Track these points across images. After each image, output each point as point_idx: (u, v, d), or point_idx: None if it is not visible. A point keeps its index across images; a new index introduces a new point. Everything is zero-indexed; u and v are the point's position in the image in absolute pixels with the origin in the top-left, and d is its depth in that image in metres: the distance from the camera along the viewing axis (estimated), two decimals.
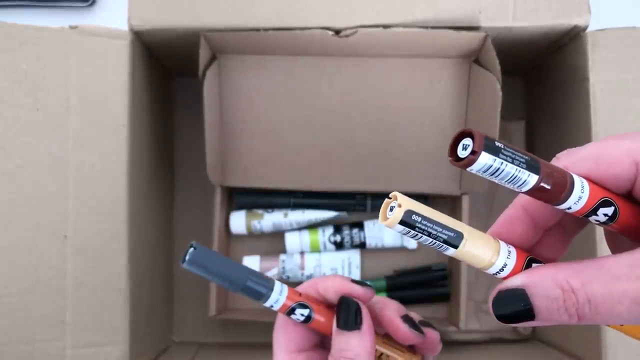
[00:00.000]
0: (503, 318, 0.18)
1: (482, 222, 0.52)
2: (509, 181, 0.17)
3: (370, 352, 0.23)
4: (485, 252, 0.19)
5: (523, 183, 0.17)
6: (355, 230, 0.51)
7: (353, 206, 0.51)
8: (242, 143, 0.47)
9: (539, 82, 0.51)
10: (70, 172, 0.38)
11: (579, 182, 0.18)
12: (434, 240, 0.19)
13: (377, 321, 0.24)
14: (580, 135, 0.41)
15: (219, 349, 0.50)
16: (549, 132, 0.48)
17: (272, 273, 0.50)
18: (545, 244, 0.22)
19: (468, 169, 0.17)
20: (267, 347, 0.50)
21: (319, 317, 0.24)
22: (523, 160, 0.17)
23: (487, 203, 0.53)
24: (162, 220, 0.50)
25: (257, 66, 0.46)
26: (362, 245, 0.51)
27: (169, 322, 0.52)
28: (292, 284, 0.51)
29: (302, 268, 0.50)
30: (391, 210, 0.19)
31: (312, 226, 0.51)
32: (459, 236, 0.19)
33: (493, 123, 0.40)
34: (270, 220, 0.50)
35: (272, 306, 0.23)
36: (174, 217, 0.53)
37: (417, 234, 0.19)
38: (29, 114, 0.38)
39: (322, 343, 0.26)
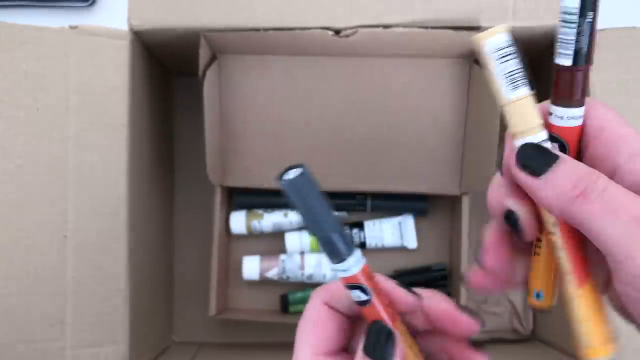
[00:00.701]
0: (522, 164, 0.19)
1: (482, 223, 0.52)
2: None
3: None
4: (537, 114, 0.19)
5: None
6: (355, 230, 0.51)
7: (353, 206, 0.51)
8: (242, 143, 0.47)
9: (538, 82, 0.50)
10: (70, 172, 0.38)
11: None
12: (517, 69, 0.19)
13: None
14: None
15: (218, 349, 0.50)
16: None
17: (272, 273, 0.50)
18: None
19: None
20: (267, 347, 0.50)
21: (376, 307, 0.21)
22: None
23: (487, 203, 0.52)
24: (162, 220, 0.50)
25: (257, 66, 0.46)
26: (362, 245, 0.51)
27: (169, 322, 0.52)
28: (293, 284, 0.52)
29: (302, 268, 0.50)
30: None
31: None
32: (533, 83, 0.19)
33: (493, 122, 0.40)
34: (270, 220, 0.50)
35: (339, 271, 0.21)
36: (174, 217, 0.53)
37: (511, 53, 0.18)
38: (29, 113, 0.38)
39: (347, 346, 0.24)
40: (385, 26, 0.40)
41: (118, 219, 0.39)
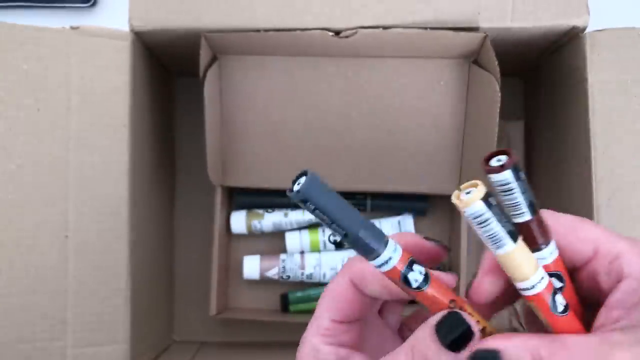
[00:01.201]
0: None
1: None
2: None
3: None
4: (531, 261, 0.20)
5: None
6: None
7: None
8: (242, 143, 0.48)
9: (537, 83, 0.51)
10: (71, 172, 0.39)
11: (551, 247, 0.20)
12: (496, 231, 0.19)
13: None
14: (578, 135, 0.41)
15: (219, 348, 0.51)
16: (547, 133, 0.49)
17: (272, 272, 0.50)
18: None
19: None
20: (268, 346, 0.50)
21: (435, 289, 0.20)
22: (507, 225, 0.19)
23: None
24: (162, 220, 0.50)
25: (258, 67, 0.46)
26: None
27: (169, 322, 0.52)
28: (293, 283, 0.52)
29: (303, 267, 0.50)
30: (468, 193, 0.18)
31: (312, 226, 0.51)
32: (515, 235, 0.19)
33: (492, 123, 0.40)
34: (270, 220, 0.50)
35: (381, 266, 0.20)
36: (174, 217, 0.53)
37: (487, 219, 0.18)
38: (29, 114, 0.38)
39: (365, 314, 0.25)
40: (385, 27, 0.40)
41: (119, 218, 0.39)
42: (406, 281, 0.20)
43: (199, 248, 0.52)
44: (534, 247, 0.20)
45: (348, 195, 0.50)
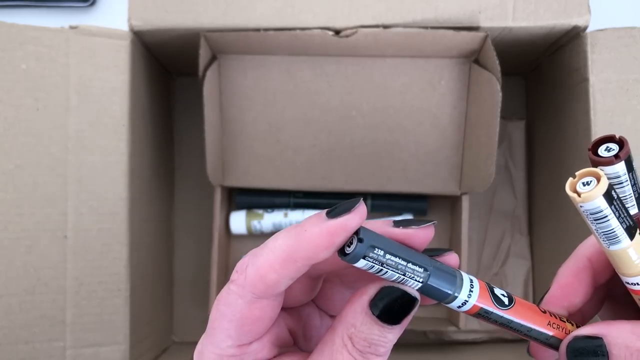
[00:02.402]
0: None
1: (482, 223, 0.52)
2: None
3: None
4: (636, 260, 0.18)
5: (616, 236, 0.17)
6: None
7: None
8: (242, 143, 0.47)
9: (538, 82, 0.51)
10: (71, 172, 0.38)
11: None
12: (614, 227, 0.17)
13: None
14: (580, 135, 0.41)
15: None
16: (548, 132, 0.48)
17: None
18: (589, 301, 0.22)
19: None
20: None
21: (522, 306, 0.19)
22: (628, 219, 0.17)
23: (487, 203, 0.53)
24: (162, 220, 0.50)
25: (257, 66, 0.46)
26: None
27: (169, 322, 0.52)
28: None
29: None
30: (586, 184, 0.17)
31: None
32: (633, 231, 0.17)
33: (493, 123, 0.40)
34: (270, 220, 0.50)
35: (459, 307, 0.18)
36: (174, 217, 0.53)
37: (606, 216, 0.16)
38: (29, 114, 0.38)
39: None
40: (385, 26, 0.40)
41: (118, 219, 0.39)
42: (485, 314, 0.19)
43: (198, 248, 0.52)
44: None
45: (348, 196, 0.50)
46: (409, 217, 0.52)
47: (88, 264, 0.38)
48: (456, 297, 0.18)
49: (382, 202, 0.51)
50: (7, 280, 0.37)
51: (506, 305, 0.19)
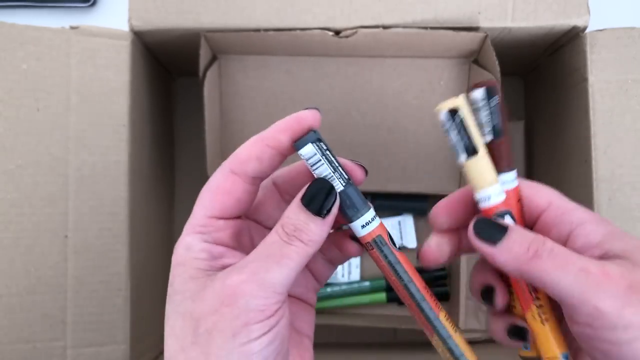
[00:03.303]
0: (480, 236, 0.22)
1: None
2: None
3: (319, 244, 0.22)
4: (490, 173, 0.22)
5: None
6: None
7: None
8: (242, 143, 0.47)
9: (538, 83, 0.51)
10: (71, 172, 0.39)
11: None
12: (459, 141, 0.22)
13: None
14: (579, 135, 0.41)
15: None
16: (548, 132, 0.48)
17: None
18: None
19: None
20: None
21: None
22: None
23: None
24: (162, 220, 0.50)
25: (258, 67, 0.46)
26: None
27: None
28: None
29: None
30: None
31: None
32: (474, 150, 0.22)
33: None
34: None
35: (363, 227, 0.23)
36: (174, 217, 0.53)
37: (452, 125, 0.22)
38: (29, 114, 0.38)
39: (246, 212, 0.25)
40: (385, 27, 0.40)
41: (118, 218, 0.39)
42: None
43: None
44: (498, 169, 0.23)
45: None
46: (409, 217, 0.52)
47: (88, 264, 0.38)
48: (363, 214, 0.23)
49: (382, 202, 0.51)
50: (8, 279, 0.37)
51: (396, 248, 0.24)
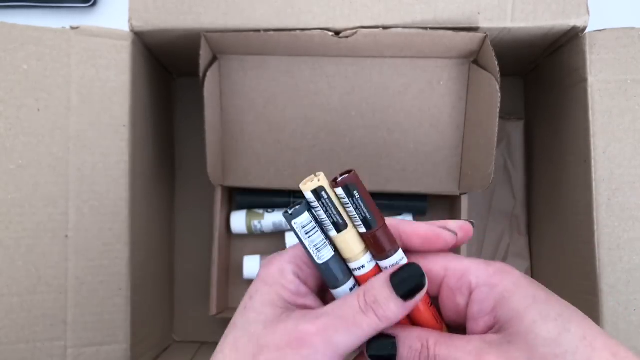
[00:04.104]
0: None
1: (482, 222, 0.53)
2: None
3: (393, 323, 0.23)
4: (358, 246, 0.23)
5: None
6: None
7: None
8: (242, 143, 0.48)
9: (537, 83, 0.51)
10: (72, 172, 0.39)
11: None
12: (327, 219, 0.23)
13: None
14: (578, 135, 0.41)
15: None
16: (547, 132, 0.49)
17: None
18: None
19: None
20: None
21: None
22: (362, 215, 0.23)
23: (486, 203, 0.53)
24: (162, 220, 0.50)
25: (258, 67, 0.46)
26: None
27: (169, 321, 0.52)
28: None
29: None
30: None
31: None
32: (344, 225, 0.23)
33: (492, 123, 0.40)
34: (270, 220, 0.50)
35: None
36: (174, 216, 0.53)
37: (317, 207, 0.23)
38: (30, 114, 0.38)
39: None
40: (385, 27, 0.40)
41: (119, 218, 0.39)
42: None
43: (199, 248, 0.52)
44: (381, 256, 0.23)
45: None
46: (408, 217, 0.52)
47: (89, 264, 0.38)
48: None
49: (381, 202, 0.51)
50: (9, 279, 0.37)
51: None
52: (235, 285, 0.52)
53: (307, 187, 0.22)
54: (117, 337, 0.39)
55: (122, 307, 0.39)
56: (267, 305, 0.23)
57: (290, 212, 0.23)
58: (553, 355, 0.20)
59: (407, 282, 0.22)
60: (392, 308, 0.22)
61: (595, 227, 0.38)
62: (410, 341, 0.23)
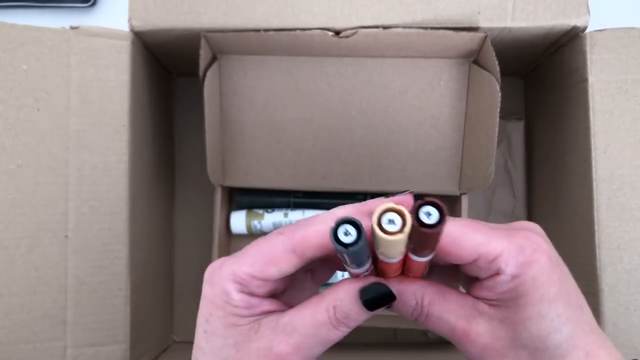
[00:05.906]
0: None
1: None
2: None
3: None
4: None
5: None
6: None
7: None
8: (242, 143, 0.48)
9: (538, 83, 0.51)
10: (71, 172, 0.39)
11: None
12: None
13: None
14: (579, 135, 0.41)
15: None
16: (547, 132, 0.49)
17: None
18: None
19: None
20: None
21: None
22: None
23: (486, 203, 0.53)
24: (162, 220, 0.50)
25: (258, 67, 0.46)
26: None
27: (169, 322, 0.52)
28: None
29: None
30: (391, 222, 0.20)
31: None
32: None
33: (492, 123, 0.40)
34: (270, 220, 0.50)
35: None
36: (174, 216, 0.53)
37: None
38: (29, 114, 0.38)
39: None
40: (385, 27, 0.40)
41: (119, 218, 0.39)
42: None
43: (199, 248, 0.52)
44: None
45: (348, 195, 0.50)
46: None
47: (89, 264, 0.38)
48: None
49: None
50: (8, 279, 0.37)
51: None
52: None
53: (396, 239, 0.20)
54: (116, 337, 0.39)
55: (122, 307, 0.39)
56: (229, 327, 0.24)
57: (347, 243, 0.20)
58: (533, 349, 0.22)
59: (377, 300, 0.23)
60: (362, 318, 0.23)
61: (596, 227, 0.38)
62: (405, 296, 0.24)
